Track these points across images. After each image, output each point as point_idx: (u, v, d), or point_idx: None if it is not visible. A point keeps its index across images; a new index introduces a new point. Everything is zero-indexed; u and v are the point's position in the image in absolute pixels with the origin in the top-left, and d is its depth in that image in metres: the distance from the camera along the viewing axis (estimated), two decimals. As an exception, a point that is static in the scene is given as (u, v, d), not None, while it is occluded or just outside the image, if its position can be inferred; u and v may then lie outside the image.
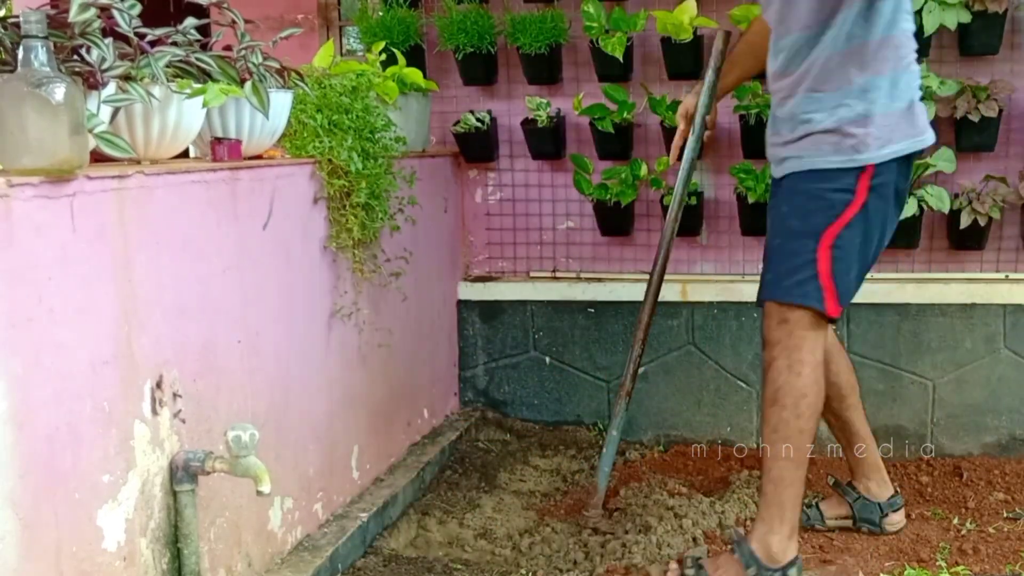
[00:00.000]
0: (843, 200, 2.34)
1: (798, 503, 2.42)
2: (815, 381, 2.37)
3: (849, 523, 2.82)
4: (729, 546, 2.55)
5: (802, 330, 2.35)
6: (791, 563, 2.40)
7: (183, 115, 1.98)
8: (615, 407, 2.93)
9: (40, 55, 1.61)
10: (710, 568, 2.44)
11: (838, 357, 2.71)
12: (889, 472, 3.19)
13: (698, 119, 2.78)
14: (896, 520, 2.79)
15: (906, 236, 3.22)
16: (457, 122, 3.57)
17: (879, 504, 2.78)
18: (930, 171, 3.23)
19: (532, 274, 3.74)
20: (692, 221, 3.43)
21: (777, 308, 2.38)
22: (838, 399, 2.72)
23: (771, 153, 2.52)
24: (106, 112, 1.83)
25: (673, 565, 2.52)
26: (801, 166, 2.39)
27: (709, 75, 2.77)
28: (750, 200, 3.33)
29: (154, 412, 1.91)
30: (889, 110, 2.31)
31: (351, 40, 4.22)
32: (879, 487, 2.80)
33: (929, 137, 2.41)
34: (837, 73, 2.32)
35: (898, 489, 2.84)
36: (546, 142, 3.53)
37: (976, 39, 3.16)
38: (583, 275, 3.69)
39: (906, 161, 2.38)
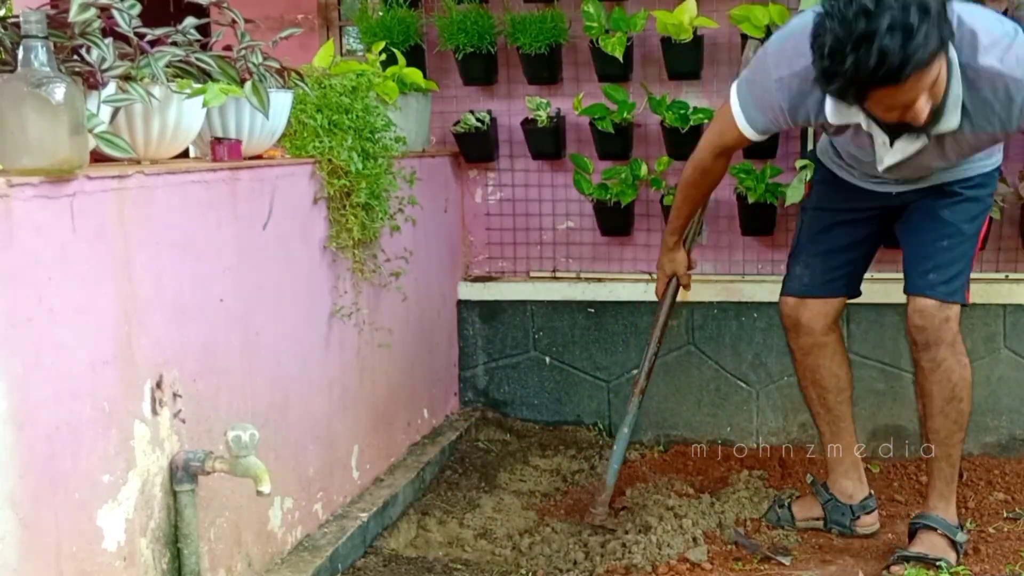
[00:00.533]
0: (990, 202, 2.57)
1: None
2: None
3: (820, 524, 2.81)
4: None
5: (958, 325, 2.53)
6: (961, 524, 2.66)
7: (183, 115, 1.98)
8: (628, 404, 2.93)
9: (40, 55, 1.61)
10: (926, 547, 2.55)
11: (842, 349, 2.75)
12: (889, 472, 3.18)
13: None
14: (868, 522, 2.78)
15: (906, 236, 3.22)
16: (457, 122, 3.57)
17: (851, 507, 2.77)
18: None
19: (532, 274, 3.74)
20: (692, 221, 3.42)
21: (939, 307, 2.50)
22: (836, 391, 2.74)
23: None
24: (106, 112, 1.83)
25: (896, 568, 2.53)
26: (954, 176, 2.52)
27: None
28: (750, 200, 3.33)
29: (154, 412, 1.91)
30: None
31: (351, 40, 4.21)
32: (855, 487, 2.78)
33: None
34: None
35: (872, 492, 2.82)
36: (546, 142, 3.53)
37: (976, 39, 3.15)
38: (583, 275, 3.68)
39: None
